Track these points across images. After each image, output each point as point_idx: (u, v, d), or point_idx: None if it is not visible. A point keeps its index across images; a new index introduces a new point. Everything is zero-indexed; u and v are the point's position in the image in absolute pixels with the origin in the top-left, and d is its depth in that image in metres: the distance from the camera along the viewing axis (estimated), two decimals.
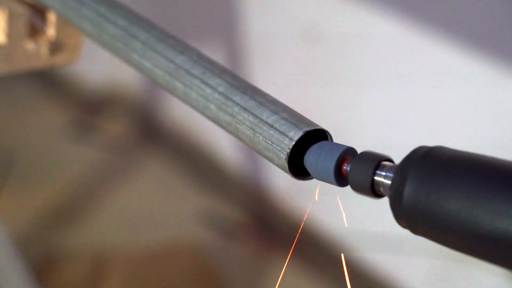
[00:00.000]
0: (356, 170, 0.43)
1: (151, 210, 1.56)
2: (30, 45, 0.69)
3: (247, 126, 0.48)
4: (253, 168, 1.58)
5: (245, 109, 0.48)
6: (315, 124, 0.46)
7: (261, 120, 0.47)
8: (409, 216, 0.39)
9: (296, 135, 0.45)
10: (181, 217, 1.54)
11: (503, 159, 0.38)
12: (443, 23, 1.17)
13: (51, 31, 0.70)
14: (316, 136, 0.46)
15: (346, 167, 0.44)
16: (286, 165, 0.45)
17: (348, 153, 0.44)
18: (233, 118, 0.49)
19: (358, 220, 1.37)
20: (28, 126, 1.80)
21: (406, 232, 0.40)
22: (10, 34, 0.67)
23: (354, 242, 1.40)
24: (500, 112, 1.15)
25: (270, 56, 1.47)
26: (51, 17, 0.69)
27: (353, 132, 1.33)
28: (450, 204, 0.37)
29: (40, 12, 0.69)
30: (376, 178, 0.42)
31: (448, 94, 1.20)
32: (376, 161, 0.42)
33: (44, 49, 0.69)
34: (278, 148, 0.46)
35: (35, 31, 0.69)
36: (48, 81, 1.96)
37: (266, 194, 1.56)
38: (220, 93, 0.50)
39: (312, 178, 0.46)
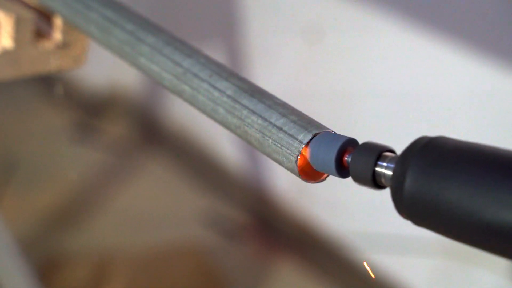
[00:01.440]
0: (357, 161, 0.42)
1: (153, 212, 1.56)
2: (36, 50, 0.69)
3: (256, 129, 0.48)
4: (255, 169, 1.58)
5: (253, 112, 0.49)
6: (324, 127, 0.46)
7: (270, 123, 0.47)
8: (410, 206, 0.39)
9: (305, 137, 0.45)
10: (183, 218, 1.54)
11: (506, 148, 0.37)
12: (442, 22, 1.18)
13: (57, 36, 0.70)
14: None
15: (347, 158, 0.43)
16: (296, 168, 0.46)
17: (350, 144, 0.44)
18: (242, 121, 0.49)
19: (359, 220, 1.37)
20: (30, 128, 1.80)
21: (408, 232, 0.40)
22: (17, 39, 0.67)
23: (355, 242, 1.40)
24: (498, 113, 1.15)
25: (271, 56, 1.47)
26: (58, 21, 0.70)
27: (356, 128, 1.33)
28: (451, 194, 0.37)
29: (46, 17, 0.70)
30: (378, 169, 0.42)
31: (449, 92, 1.21)
32: (377, 151, 0.42)
33: (50, 54, 0.70)
34: (288, 151, 0.46)
35: (41, 36, 0.70)
36: (50, 84, 1.96)
37: (267, 195, 1.56)
38: (229, 96, 0.50)
39: (321, 181, 0.46)
